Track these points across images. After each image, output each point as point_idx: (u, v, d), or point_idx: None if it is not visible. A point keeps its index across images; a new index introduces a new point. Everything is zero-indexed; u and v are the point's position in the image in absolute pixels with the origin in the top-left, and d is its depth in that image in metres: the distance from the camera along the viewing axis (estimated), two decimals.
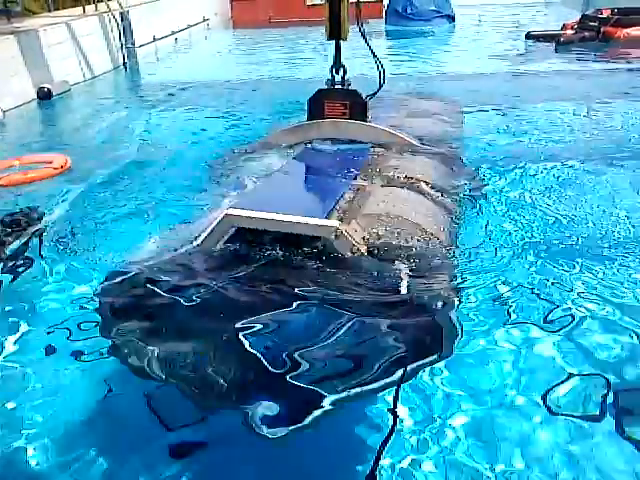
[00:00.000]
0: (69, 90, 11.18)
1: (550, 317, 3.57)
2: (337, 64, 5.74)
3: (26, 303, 3.98)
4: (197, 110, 9.35)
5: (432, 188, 4.90)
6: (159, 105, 9.85)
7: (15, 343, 3.59)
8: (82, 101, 10.86)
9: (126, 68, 13.85)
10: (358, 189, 4.61)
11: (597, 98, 8.65)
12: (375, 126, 5.89)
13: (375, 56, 5.82)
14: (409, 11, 18.74)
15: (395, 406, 2.79)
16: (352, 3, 5.60)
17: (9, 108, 9.62)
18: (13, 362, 3.43)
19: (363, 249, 3.72)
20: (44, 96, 10.44)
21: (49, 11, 14.56)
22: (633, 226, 4.58)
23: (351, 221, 3.95)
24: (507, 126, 7.50)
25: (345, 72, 5.75)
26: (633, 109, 8.00)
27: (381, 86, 5.89)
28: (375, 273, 3.59)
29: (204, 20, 20.11)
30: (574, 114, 8.00)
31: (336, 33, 5.55)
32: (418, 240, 3.92)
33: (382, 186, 4.78)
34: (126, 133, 8.18)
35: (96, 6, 14.17)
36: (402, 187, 4.76)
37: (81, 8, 13.95)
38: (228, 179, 5.51)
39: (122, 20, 13.70)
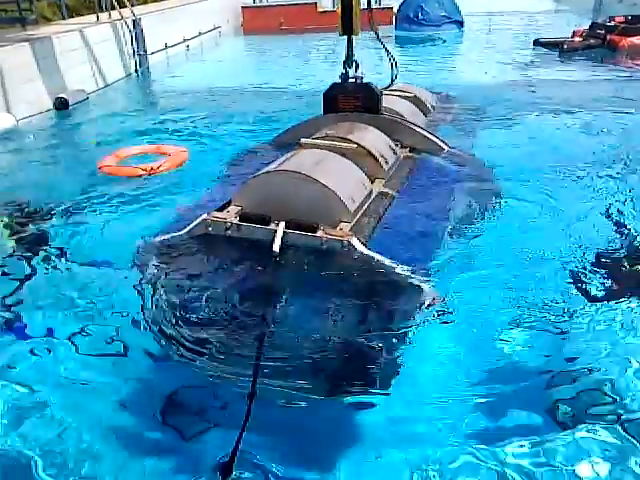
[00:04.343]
0: (87, 99, 11.25)
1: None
2: (349, 59, 5.82)
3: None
4: (209, 116, 9.44)
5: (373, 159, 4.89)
6: (174, 112, 9.93)
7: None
8: (99, 110, 10.79)
9: (138, 75, 13.98)
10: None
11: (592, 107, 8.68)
12: (386, 117, 5.89)
13: (387, 51, 5.90)
14: (420, 17, 18.94)
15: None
16: (365, 9, 5.71)
17: (24, 117, 9.71)
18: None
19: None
20: (61, 106, 10.46)
21: (63, 18, 14.73)
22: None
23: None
24: (508, 136, 7.52)
25: (357, 67, 5.82)
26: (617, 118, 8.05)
27: (394, 79, 5.94)
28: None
29: (215, 27, 20.26)
30: (569, 124, 8.02)
31: (348, 29, 5.65)
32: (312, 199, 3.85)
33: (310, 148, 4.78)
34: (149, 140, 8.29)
35: (109, 14, 14.33)
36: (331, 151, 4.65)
37: (95, 16, 14.13)
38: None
39: (134, 27, 13.84)
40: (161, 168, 6.61)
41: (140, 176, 6.47)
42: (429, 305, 3.46)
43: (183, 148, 7.30)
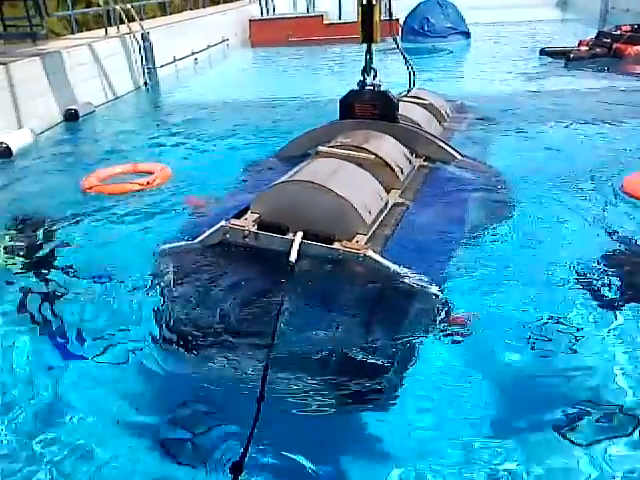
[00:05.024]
0: (93, 112, 11.35)
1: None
2: (368, 66, 5.87)
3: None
4: (215, 127, 9.50)
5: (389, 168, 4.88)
6: (183, 125, 9.98)
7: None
8: (108, 122, 10.92)
9: (147, 88, 14.10)
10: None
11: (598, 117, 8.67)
12: (402, 125, 5.90)
13: (406, 59, 5.94)
14: (426, 28, 19.10)
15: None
16: (386, 20, 5.82)
17: (34, 128, 9.74)
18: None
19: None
20: (71, 117, 10.58)
21: (72, 33, 14.89)
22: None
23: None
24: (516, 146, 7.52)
25: (376, 74, 5.86)
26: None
27: (411, 87, 5.97)
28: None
29: (223, 40, 20.42)
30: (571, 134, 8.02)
31: (369, 37, 5.71)
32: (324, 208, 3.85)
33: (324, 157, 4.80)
34: (159, 152, 8.38)
35: (118, 28, 14.48)
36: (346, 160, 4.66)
37: (103, 30, 14.27)
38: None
39: (143, 41, 13.96)
40: (157, 181, 6.64)
41: (137, 190, 6.47)
42: (460, 324, 3.48)
43: (162, 165, 7.19)
